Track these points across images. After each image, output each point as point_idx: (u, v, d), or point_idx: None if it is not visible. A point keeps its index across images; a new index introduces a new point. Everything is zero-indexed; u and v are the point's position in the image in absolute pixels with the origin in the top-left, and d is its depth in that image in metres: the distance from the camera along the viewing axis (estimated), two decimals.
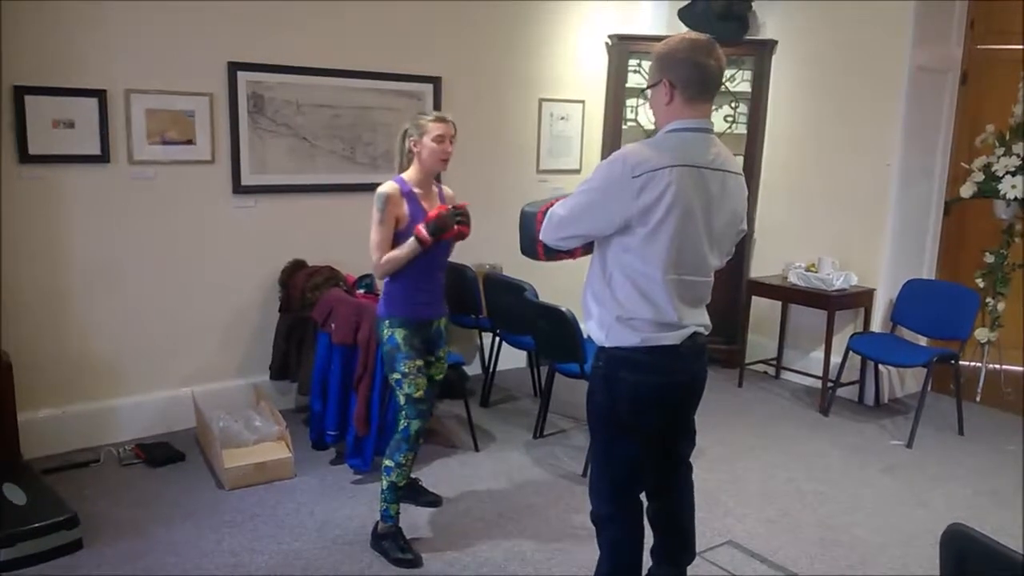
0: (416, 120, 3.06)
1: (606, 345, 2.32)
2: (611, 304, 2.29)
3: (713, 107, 5.43)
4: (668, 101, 2.24)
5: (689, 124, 2.24)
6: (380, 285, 3.24)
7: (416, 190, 3.06)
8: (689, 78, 2.20)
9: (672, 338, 2.27)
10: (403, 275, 3.04)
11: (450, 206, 3.02)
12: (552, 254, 2.43)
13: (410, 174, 3.07)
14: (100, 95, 3.83)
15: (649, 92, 2.31)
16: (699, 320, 2.34)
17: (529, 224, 2.44)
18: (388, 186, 3.00)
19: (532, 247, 2.46)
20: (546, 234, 2.36)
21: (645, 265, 2.21)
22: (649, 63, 2.39)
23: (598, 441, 2.47)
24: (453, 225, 2.96)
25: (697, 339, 2.34)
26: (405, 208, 3.00)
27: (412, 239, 2.95)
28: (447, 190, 3.28)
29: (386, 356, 3.08)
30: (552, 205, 2.38)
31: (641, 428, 2.37)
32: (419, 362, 3.07)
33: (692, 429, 2.57)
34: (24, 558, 2.93)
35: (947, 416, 4.70)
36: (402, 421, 3.06)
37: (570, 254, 2.44)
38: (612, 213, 2.19)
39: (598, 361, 2.37)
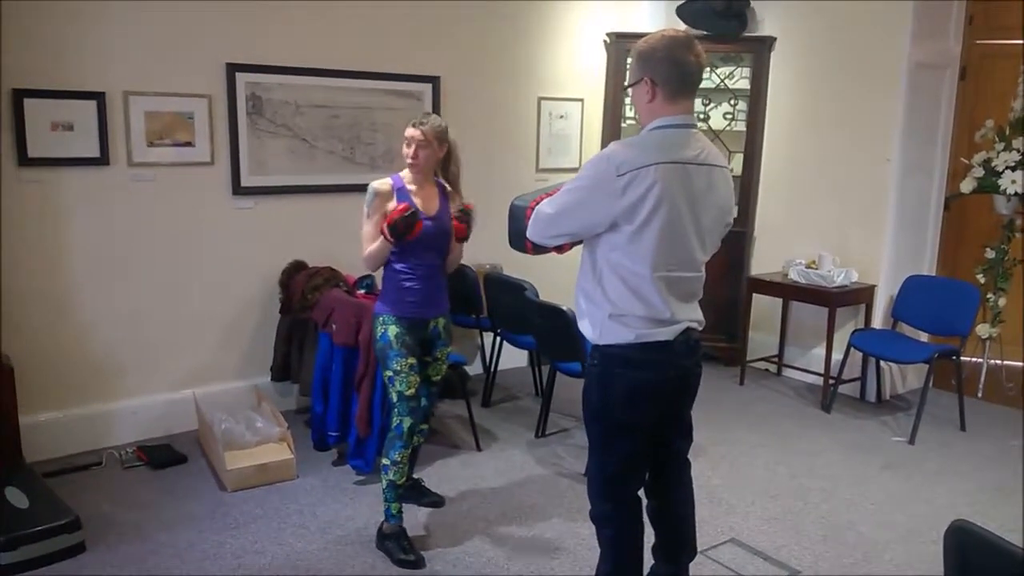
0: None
1: (600, 343, 2.33)
2: (603, 302, 2.29)
3: (712, 104, 5.55)
4: (650, 99, 2.26)
5: (672, 121, 2.26)
6: (379, 283, 3.25)
7: (409, 186, 3.09)
8: (670, 75, 2.22)
9: (665, 334, 2.28)
10: (396, 273, 3.07)
11: (458, 205, 3.11)
12: (540, 249, 2.45)
13: (405, 172, 3.13)
14: (99, 97, 3.83)
15: (631, 90, 2.32)
16: (692, 315, 2.35)
17: (518, 218, 2.44)
18: (379, 182, 3.07)
19: (520, 241, 2.47)
20: (534, 232, 2.37)
21: (634, 263, 2.22)
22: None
23: (595, 439, 2.47)
24: (412, 226, 2.94)
25: (690, 334, 2.35)
26: (394, 203, 3.03)
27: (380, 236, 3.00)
28: (450, 186, 3.23)
29: (379, 353, 3.11)
30: (541, 200, 2.38)
31: (636, 424, 2.37)
32: (411, 360, 3.07)
33: (688, 425, 2.57)
34: (27, 561, 2.93)
35: (949, 412, 4.70)
36: (395, 418, 3.08)
37: (558, 249, 2.45)
38: (598, 212, 2.21)
39: (593, 359, 2.38)
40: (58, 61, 3.72)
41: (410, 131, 3.08)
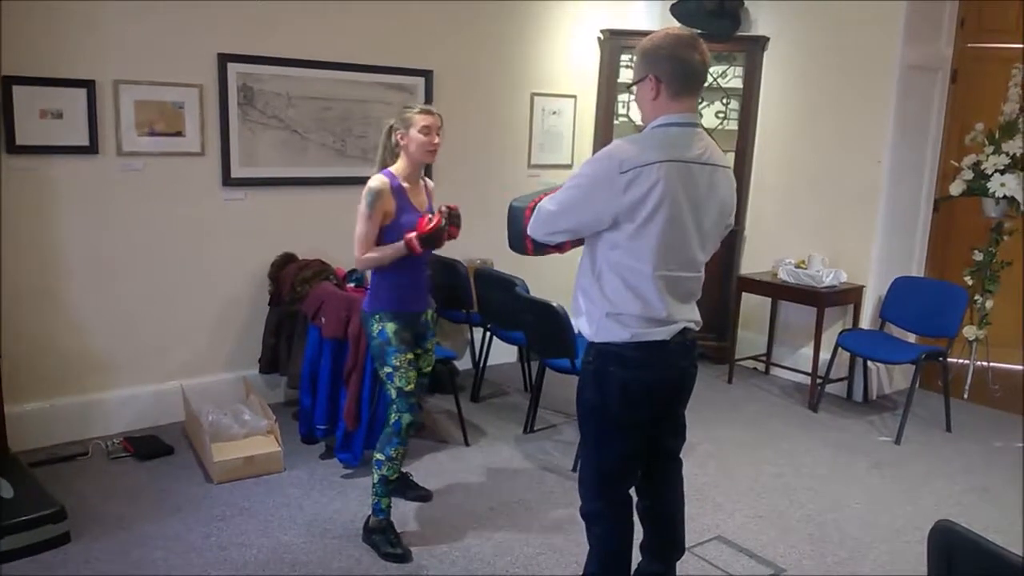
0: (402, 114, 3.06)
1: (595, 341, 2.33)
2: (600, 300, 2.29)
3: (704, 103, 5.55)
4: (654, 97, 2.25)
5: (676, 119, 2.24)
6: (368, 279, 3.24)
7: (404, 184, 3.05)
8: (674, 73, 2.21)
9: (661, 334, 2.28)
10: (390, 270, 3.04)
11: (444, 207, 3.01)
12: (540, 249, 2.43)
13: (398, 168, 3.06)
14: (89, 86, 3.80)
15: (635, 88, 2.31)
16: (689, 316, 2.35)
17: (517, 219, 2.43)
18: (378, 180, 2.98)
19: (520, 242, 2.45)
20: (534, 229, 2.36)
21: (633, 261, 2.22)
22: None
23: (588, 436, 2.47)
24: (443, 237, 2.99)
25: (687, 335, 2.34)
26: (393, 204, 3.00)
27: (401, 243, 2.95)
28: (430, 183, 3.29)
29: (376, 350, 3.08)
30: (540, 200, 2.38)
31: (631, 423, 2.37)
32: (409, 355, 3.07)
33: (681, 424, 2.58)
34: (11, 551, 2.91)
35: (935, 413, 4.73)
36: (393, 415, 3.06)
37: (559, 248, 2.43)
38: (600, 209, 2.19)
39: (588, 357, 2.38)
40: (48, 48, 3.69)
41: (429, 119, 3.00)
